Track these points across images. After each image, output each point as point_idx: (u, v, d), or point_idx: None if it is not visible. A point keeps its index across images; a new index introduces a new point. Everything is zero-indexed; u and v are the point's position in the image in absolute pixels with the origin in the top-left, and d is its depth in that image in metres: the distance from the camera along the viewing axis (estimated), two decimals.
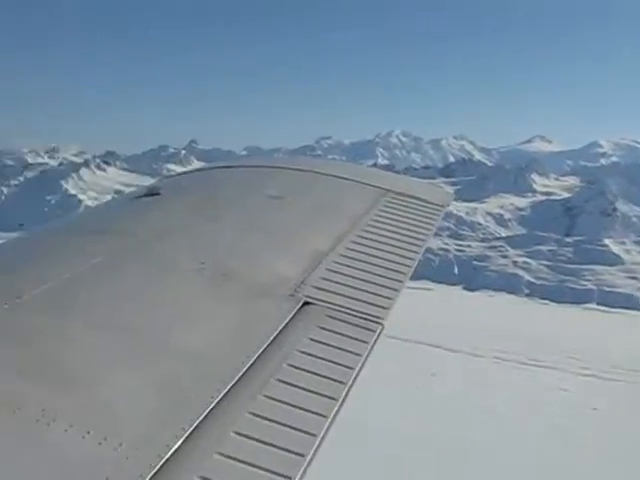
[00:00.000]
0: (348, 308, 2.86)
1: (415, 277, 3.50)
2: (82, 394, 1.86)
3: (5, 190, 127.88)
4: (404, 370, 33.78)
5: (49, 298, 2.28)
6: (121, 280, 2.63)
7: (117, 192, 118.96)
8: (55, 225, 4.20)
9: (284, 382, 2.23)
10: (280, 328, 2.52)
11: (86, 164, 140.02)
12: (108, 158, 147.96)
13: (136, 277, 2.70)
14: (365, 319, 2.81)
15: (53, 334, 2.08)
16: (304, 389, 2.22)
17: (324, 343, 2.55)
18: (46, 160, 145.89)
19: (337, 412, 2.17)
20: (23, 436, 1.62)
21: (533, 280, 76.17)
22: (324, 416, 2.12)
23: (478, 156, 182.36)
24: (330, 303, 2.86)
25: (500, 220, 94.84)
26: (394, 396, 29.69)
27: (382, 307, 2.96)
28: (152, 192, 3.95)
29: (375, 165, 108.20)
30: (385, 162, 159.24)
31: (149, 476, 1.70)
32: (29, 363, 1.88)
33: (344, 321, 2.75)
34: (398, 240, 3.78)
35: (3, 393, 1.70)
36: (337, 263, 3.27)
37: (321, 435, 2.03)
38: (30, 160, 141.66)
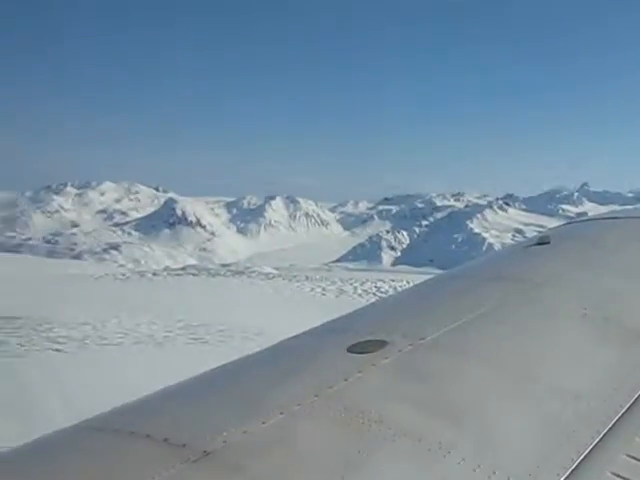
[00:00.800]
0: None
1: None
2: (474, 429, 1.90)
3: (417, 230, 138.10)
4: None
5: (448, 340, 2.36)
6: (511, 324, 2.67)
7: (517, 231, 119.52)
8: (454, 271, 4.42)
9: None
10: None
11: (489, 205, 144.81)
12: (508, 200, 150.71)
13: (524, 321, 2.72)
14: None
15: (451, 373, 2.15)
16: None
17: None
18: (452, 203, 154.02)
19: None
20: (422, 464, 1.74)
21: None
22: None
23: None
24: None
25: None
26: None
27: None
28: (542, 241, 4.04)
29: None
30: None
31: None
32: (430, 399, 1.97)
33: None
34: None
35: (409, 425, 1.81)
36: None
37: None
38: (438, 203, 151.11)
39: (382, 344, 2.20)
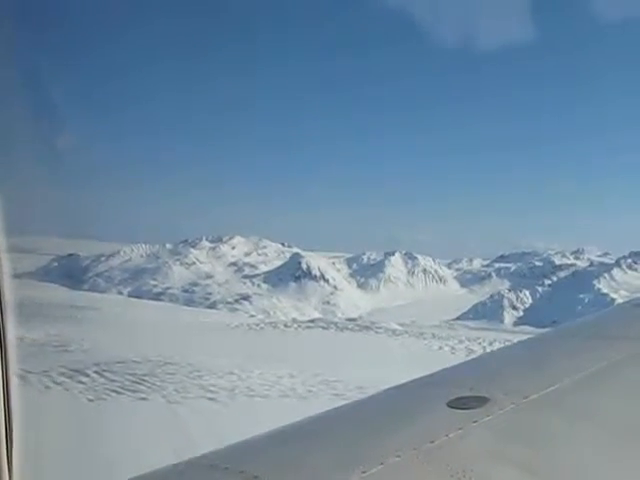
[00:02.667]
0: None
1: None
2: None
3: (540, 289, 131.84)
4: None
5: (553, 400, 2.21)
6: (622, 386, 2.51)
7: None
8: (561, 328, 4.29)
9: None
10: None
11: (617, 264, 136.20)
12: (634, 258, 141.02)
13: (636, 384, 2.54)
14: None
15: (556, 435, 2.02)
16: None
17: None
18: (572, 261, 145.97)
19: None
20: None
21: None
22: None
23: None
24: None
25: None
26: None
27: None
28: None
29: None
30: None
31: None
32: (535, 461, 1.86)
33: None
34: None
35: None
36: None
37: None
38: (557, 261, 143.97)
39: (483, 401, 2.10)
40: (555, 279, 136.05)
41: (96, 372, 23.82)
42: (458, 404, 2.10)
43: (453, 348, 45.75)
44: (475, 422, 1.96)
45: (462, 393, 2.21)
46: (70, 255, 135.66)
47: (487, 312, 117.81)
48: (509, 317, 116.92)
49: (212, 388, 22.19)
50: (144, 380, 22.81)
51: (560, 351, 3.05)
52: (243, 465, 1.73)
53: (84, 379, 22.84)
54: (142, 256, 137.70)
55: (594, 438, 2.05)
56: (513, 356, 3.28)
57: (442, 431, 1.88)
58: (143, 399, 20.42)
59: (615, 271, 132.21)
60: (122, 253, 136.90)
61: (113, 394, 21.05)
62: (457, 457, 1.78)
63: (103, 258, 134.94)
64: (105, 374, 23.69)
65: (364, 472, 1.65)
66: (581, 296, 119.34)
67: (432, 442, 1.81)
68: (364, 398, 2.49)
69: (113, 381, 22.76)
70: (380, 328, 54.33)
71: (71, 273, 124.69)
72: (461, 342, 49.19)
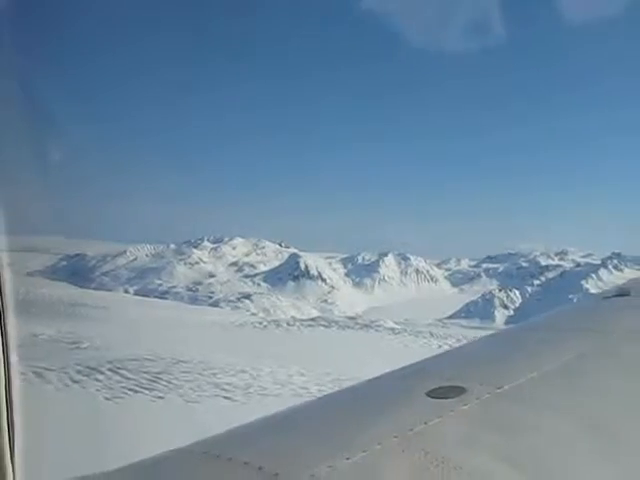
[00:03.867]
0: None
1: None
2: None
3: (529, 289, 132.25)
4: None
5: (525, 390, 2.27)
6: (589, 377, 2.55)
7: None
8: (532, 321, 4.26)
9: None
10: None
11: (604, 265, 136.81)
12: (616, 258, 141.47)
13: (602, 374, 2.59)
14: None
15: (529, 424, 2.06)
16: None
17: None
18: (557, 262, 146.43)
19: None
20: None
21: None
22: None
23: None
24: None
25: None
26: None
27: None
28: (622, 293, 3.86)
29: None
30: None
31: None
32: (509, 449, 1.89)
33: None
34: None
35: (488, 475, 1.74)
36: None
37: None
38: (542, 262, 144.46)
39: (460, 390, 2.15)
40: (543, 279, 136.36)
41: (110, 370, 23.45)
42: (437, 394, 2.13)
43: (451, 347, 45.64)
44: (452, 411, 2.00)
45: (440, 383, 2.24)
46: (77, 255, 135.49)
47: (479, 311, 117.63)
48: (500, 316, 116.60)
49: (226, 387, 21.84)
50: (159, 378, 22.46)
51: (533, 343, 3.09)
52: (233, 452, 1.76)
53: (100, 377, 22.47)
54: (147, 256, 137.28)
55: (564, 427, 2.07)
56: (488, 348, 3.34)
57: (421, 419, 1.93)
58: (160, 398, 20.07)
59: (602, 271, 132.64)
60: (128, 253, 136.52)
61: (130, 392, 20.68)
62: (435, 444, 1.82)
63: (109, 258, 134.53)
64: (120, 372, 23.33)
65: (348, 459, 1.69)
66: (570, 296, 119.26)
67: (412, 430, 1.86)
68: (347, 387, 2.52)
69: (129, 379, 22.39)
70: (379, 327, 54.08)
71: (79, 272, 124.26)
72: (459, 341, 49.18)
